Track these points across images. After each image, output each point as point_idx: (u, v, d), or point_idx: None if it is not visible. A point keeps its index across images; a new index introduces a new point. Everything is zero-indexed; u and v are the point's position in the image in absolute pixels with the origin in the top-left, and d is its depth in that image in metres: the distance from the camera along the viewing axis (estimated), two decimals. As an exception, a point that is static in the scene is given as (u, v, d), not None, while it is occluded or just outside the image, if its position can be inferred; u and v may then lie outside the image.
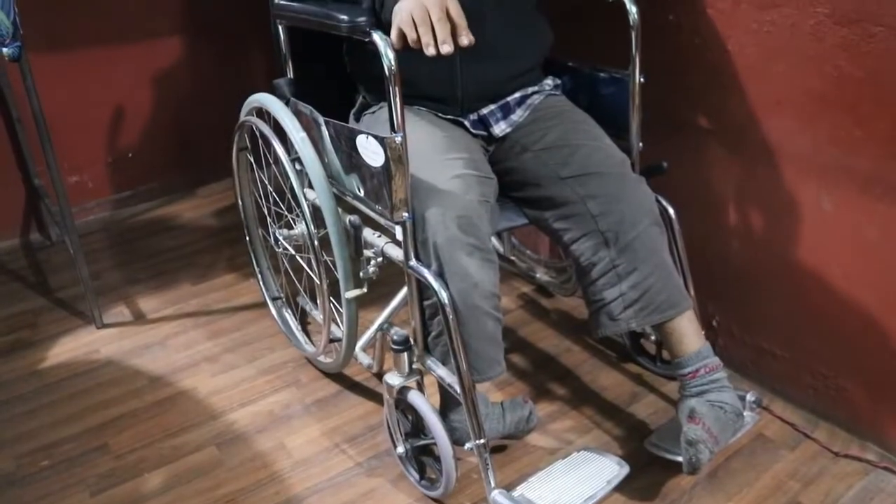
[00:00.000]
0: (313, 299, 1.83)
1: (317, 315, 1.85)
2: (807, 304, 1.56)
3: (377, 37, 1.21)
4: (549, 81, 1.57)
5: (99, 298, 2.06)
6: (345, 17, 1.24)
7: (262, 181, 1.78)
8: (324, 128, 1.42)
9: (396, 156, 1.23)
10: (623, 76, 1.53)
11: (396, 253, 1.37)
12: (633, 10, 1.45)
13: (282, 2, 1.42)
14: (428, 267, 1.30)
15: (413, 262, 1.32)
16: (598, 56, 1.61)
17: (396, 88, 1.20)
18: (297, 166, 1.53)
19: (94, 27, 2.39)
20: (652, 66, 1.48)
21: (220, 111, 2.58)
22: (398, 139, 1.22)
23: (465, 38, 1.19)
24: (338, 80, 1.61)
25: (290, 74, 1.63)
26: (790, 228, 1.54)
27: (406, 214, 1.28)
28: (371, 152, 1.28)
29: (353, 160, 1.36)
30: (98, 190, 2.57)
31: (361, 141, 1.29)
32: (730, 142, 1.58)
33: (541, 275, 2.01)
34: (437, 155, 1.35)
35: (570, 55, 1.64)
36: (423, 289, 1.34)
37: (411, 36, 1.16)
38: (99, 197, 2.58)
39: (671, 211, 1.53)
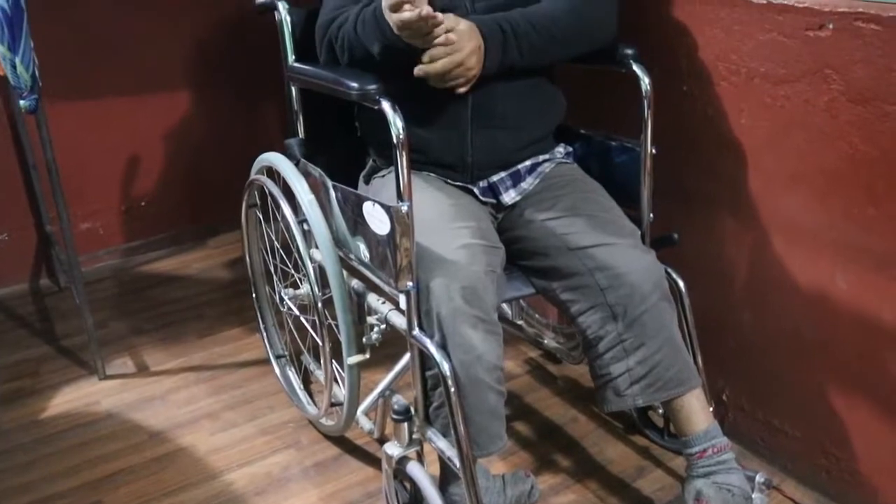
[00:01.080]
0: (317, 359, 1.81)
1: (320, 375, 1.83)
2: (820, 382, 1.52)
3: (386, 105, 1.21)
4: (560, 149, 1.56)
5: (103, 349, 2.05)
6: (355, 84, 1.24)
7: (269, 238, 1.78)
8: (331, 191, 1.42)
9: (402, 225, 1.22)
10: (634, 146, 1.52)
11: (400, 321, 1.35)
12: (645, 80, 1.44)
13: (296, 65, 1.43)
14: (431, 337, 1.28)
15: (416, 332, 1.29)
16: (610, 124, 1.61)
17: (404, 156, 1.20)
18: (305, 226, 1.52)
19: (115, 77, 2.43)
20: (664, 136, 1.47)
21: (234, 163, 2.59)
22: (404, 208, 1.21)
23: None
24: (349, 141, 1.61)
25: (302, 135, 1.63)
26: (803, 304, 1.51)
27: (410, 284, 1.26)
28: (377, 220, 1.27)
29: (359, 225, 1.35)
30: (109, 237, 2.57)
31: (368, 208, 1.29)
32: (742, 214, 1.56)
33: (548, 340, 1.97)
34: (443, 223, 1.34)
35: (582, 122, 1.63)
36: (425, 359, 1.31)
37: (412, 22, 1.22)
38: (110, 244, 2.58)
39: (681, 284, 1.50)
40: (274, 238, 1.75)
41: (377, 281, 1.36)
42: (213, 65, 2.58)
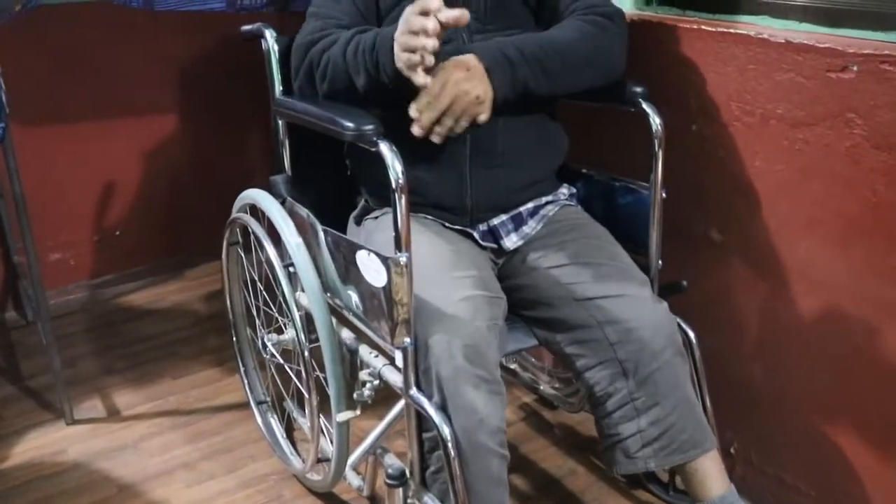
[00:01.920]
0: (301, 406, 1.70)
1: (304, 423, 1.71)
2: (836, 441, 1.43)
3: (384, 147, 1.12)
4: (563, 190, 1.48)
5: (71, 390, 1.93)
6: (350, 124, 1.14)
7: (252, 279, 1.67)
8: (321, 235, 1.32)
9: (401, 277, 1.12)
10: (641, 188, 1.44)
11: (395, 378, 1.25)
12: (656, 120, 1.36)
13: (283, 98, 1.33)
14: (429, 398, 1.18)
15: (413, 392, 1.20)
16: (612, 164, 1.52)
17: (403, 202, 1.10)
18: (291, 269, 1.42)
19: (89, 100, 2.31)
20: (671, 176, 1.39)
21: (214, 190, 2.49)
22: (403, 259, 1.12)
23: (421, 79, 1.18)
24: (339, 179, 1.52)
25: (288, 171, 1.53)
26: (820, 357, 1.43)
27: (408, 340, 1.16)
28: (372, 270, 1.17)
29: (351, 274, 1.25)
30: (80, 269, 2.45)
31: (362, 257, 1.19)
32: (755, 261, 1.48)
33: (544, 386, 1.88)
34: (443, 273, 1.24)
35: (584, 162, 1.55)
36: (422, 419, 1.21)
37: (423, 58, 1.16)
38: (81, 276, 2.46)
39: (691, 335, 1.42)
40: (257, 278, 1.64)
41: (370, 334, 1.26)
42: (194, 90, 2.47)
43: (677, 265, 1.48)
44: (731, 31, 1.41)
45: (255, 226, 1.48)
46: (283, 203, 1.48)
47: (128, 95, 2.35)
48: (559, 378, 1.89)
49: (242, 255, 1.70)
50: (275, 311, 1.60)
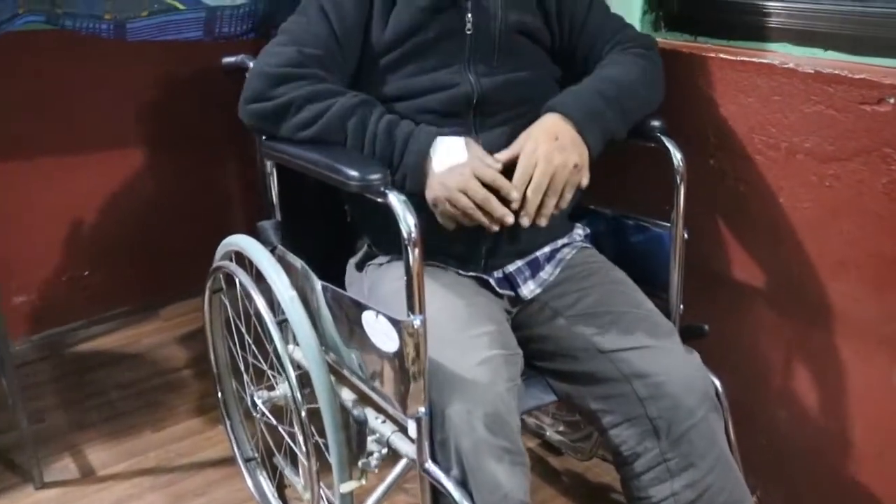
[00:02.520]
0: (293, 462, 1.57)
1: (297, 482, 1.59)
2: (868, 491, 1.35)
3: (395, 199, 1.01)
4: (579, 231, 1.38)
5: (40, 449, 1.78)
6: (354, 174, 1.03)
7: (238, 328, 1.55)
8: (319, 290, 1.20)
9: (415, 343, 1.01)
10: (654, 226, 1.35)
11: (407, 448, 1.14)
12: (677, 155, 1.27)
13: (273, 143, 1.21)
14: (447, 471, 1.07)
15: (429, 465, 1.08)
16: (625, 201, 1.43)
17: (417, 259, 0.99)
18: (284, 323, 1.30)
19: (56, 133, 2.17)
20: (689, 213, 1.29)
21: (189, 224, 2.38)
22: (417, 323, 1.01)
23: (515, 193, 1.13)
24: (335, 222, 1.40)
25: (278, 215, 1.41)
26: (851, 404, 1.34)
27: (422, 409, 1.05)
28: (381, 333, 1.06)
29: (355, 335, 1.14)
30: (49, 311, 2.30)
31: (369, 319, 1.07)
32: (781, 303, 1.39)
33: (550, 432, 1.78)
34: (459, 332, 1.13)
35: (594, 199, 1.45)
36: (438, 494, 1.10)
37: (466, 223, 1.13)
38: (48, 319, 2.31)
39: (718, 384, 1.31)
40: (244, 329, 1.51)
41: (377, 399, 1.14)
42: (167, 121, 2.34)
43: (696, 307, 1.38)
44: (754, 60, 1.32)
45: (242, 276, 1.36)
46: (273, 250, 1.36)
47: (97, 128, 2.22)
48: (565, 422, 1.79)
49: (227, 303, 1.57)
50: (264, 364, 1.47)
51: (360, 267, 1.35)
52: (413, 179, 1.12)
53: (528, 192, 1.13)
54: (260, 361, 1.49)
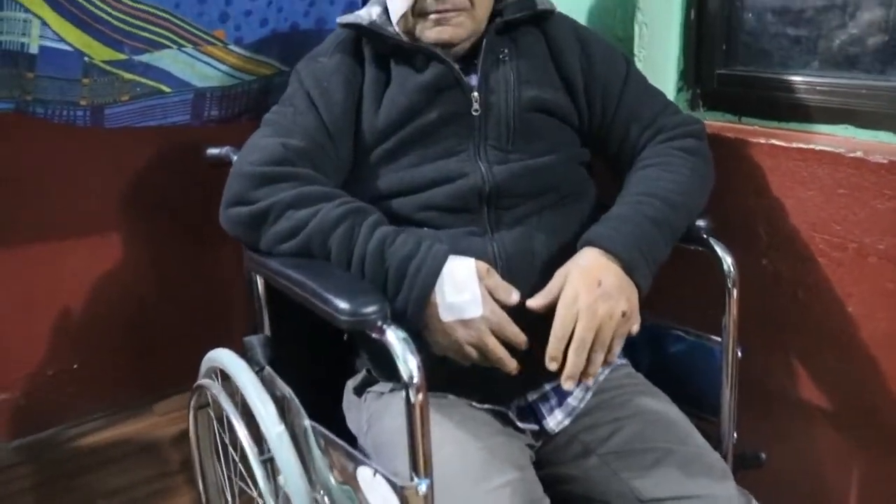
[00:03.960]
0: None
1: None
2: None
3: (392, 336, 0.84)
4: (612, 346, 1.18)
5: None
6: (345, 306, 0.86)
7: (226, 447, 1.36)
8: (309, 430, 1.02)
9: (419, 511, 0.82)
10: (709, 342, 1.16)
11: None
12: (727, 260, 1.09)
13: (256, 255, 1.04)
14: None
15: None
16: (668, 307, 1.24)
17: (421, 405, 0.81)
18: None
19: (40, 217, 2.02)
20: (739, 321, 1.11)
21: (182, 314, 2.21)
22: (423, 489, 0.82)
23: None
24: (331, 339, 1.22)
25: (267, 330, 1.23)
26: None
27: (431, 585, 0.85)
28: (380, 496, 0.87)
29: (350, 484, 0.95)
30: (33, 409, 2.12)
31: (365, 476, 0.89)
32: (851, 428, 1.20)
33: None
34: (474, 486, 0.94)
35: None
36: None
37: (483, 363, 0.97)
38: (32, 418, 2.13)
39: (779, 525, 1.12)
40: (232, 451, 1.33)
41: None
42: (160, 205, 2.19)
43: (750, 431, 1.19)
44: (814, 147, 1.14)
45: (224, 402, 1.18)
46: (260, 372, 1.18)
47: (82, 212, 2.06)
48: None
49: (214, 418, 1.39)
50: (254, 491, 1.28)
51: (358, 392, 1.16)
52: (414, 318, 0.94)
53: (571, 352, 0.94)
54: (250, 488, 1.30)
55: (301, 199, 1.00)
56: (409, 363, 0.82)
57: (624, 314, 0.96)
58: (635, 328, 0.99)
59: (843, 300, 1.15)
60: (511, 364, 0.97)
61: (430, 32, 1.09)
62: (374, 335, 0.85)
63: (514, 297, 0.98)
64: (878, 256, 1.10)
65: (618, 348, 0.98)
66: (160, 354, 2.23)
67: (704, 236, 1.11)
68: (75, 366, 2.17)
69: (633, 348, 1.24)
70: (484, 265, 0.97)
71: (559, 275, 0.99)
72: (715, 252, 1.10)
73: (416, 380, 0.82)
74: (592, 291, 0.95)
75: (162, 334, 2.23)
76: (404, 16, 1.10)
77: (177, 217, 2.20)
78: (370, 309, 0.84)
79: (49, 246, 2.05)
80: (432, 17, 1.08)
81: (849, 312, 1.15)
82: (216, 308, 2.25)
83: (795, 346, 1.22)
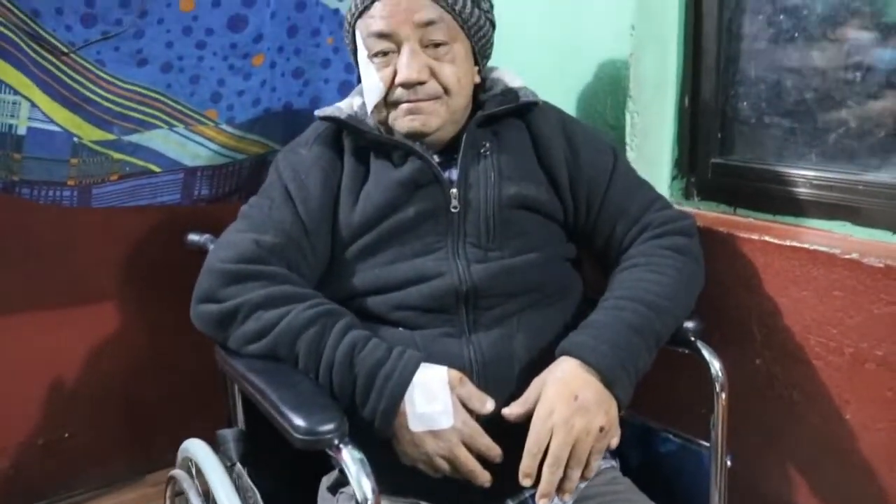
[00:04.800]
0: None
1: None
2: None
3: (348, 456, 0.80)
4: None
5: None
6: (300, 423, 0.82)
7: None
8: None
9: None
10: (698, 446, 1.10)
11: None
12: (716, 364, 1.05)
13: (224, 351, 1.02)
14: None
15: None
16: (656, 407, 1.19)
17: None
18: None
19: (31, 287, 2.01)
20: (732, 424, 1.06)
21: (175, 383, 2.17)
22: None
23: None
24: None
25: (241, 424, 1.20)
26: None
27: None
28: None
29: None
30: (22, 479, 2.08)
31: None
32: (851, 541, 1.13)
33: None
34: None
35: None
36: None
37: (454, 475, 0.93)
38: (21, 488, 2.09)
39: None
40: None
41: None
42: (154, 276, 2.17)
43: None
44: (807, 246, 1.10)
45: (194, 498, 1.14)
46: (232, 467, 1.14)
47: (76, 282, 2.05)
48: None
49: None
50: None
51: (332, 490, 1.12)
52: (382, 428, 0.91)
53: (545, 469, 0.90)
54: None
55: (270, 300, 0.97)
56: (363, 486, 0.78)
57: (602, 429, 0.91)
58: (614, 442, 0.95)
59: (840, 407, 1.10)
60: (483, 476, 0.93)
61: (402, 122, 1.07)
62: (330, 453, 0.81)
63: (488, 406, 0.94)
64: (877, 363, 1.05)
65: (595, 464, 0.93)
66: (153, 425, 2.20)
67: (692, 339, 1.06)
68: (66, 435, 2.14)
69: (622, 447, 1.19)
70: (457, 374, 0.94)
71: (535, 384, 0.95)
72: (702, 355, 1.06)
73: (370, 503, 0.78)
74: (569, 405, 0.90)
75: (154, 405, 2.20)
76: (377, 106, 1.08)
77: (171, 289, 2.18)
78: (326, 427, 0.81)
79: (42, 315, 2.03)
80: (404, 106, 1.06)
81: (847, 420, 1.09)
82: (210, 381, 2.22)
83: (791, 452, 1.16)
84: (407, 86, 1.04)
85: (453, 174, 1.07)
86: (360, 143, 1.10)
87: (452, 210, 1.05)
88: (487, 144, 1.09)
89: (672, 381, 1.15)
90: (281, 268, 1.01)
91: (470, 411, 0.94)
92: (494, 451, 0.93)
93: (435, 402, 0.90)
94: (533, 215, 1.09)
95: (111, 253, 2.11)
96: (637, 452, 1.20)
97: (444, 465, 0.92)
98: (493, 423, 0.95)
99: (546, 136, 1.12)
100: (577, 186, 1.12)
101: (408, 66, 1.03)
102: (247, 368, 0.95)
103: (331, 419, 0.82)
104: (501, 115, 1.11)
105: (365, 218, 1.05)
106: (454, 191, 1.05)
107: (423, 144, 1.07)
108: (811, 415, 1.13)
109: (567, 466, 0.91)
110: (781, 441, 1.17)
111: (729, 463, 1.06)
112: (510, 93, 1.12)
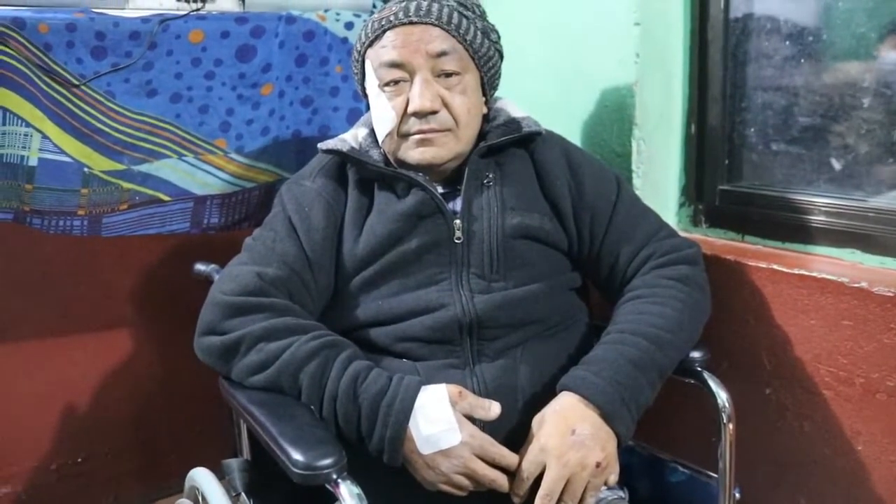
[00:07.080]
0: None
1: None
2: None
3: (346, 490, 0.79)
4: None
5: None
6: (299, 458, 0.82)
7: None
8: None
9: None
10: (706, 478, 1.09)
11: None
12: (722, 395, 1.04)
13: (227, 382, 1.02)
14: None
15: None
16: (665, 437, 1.17)
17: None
18: None
19: (45, 314, 2.02)
20: (741, 454, 1.04)
21: (189, 408, 2.17)
22: None
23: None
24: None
25: (247, 454, 1.19)
26: None
27: None
28: None
29: None
30: (35, 504, 2.10)
31: None
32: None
33: None
34: None
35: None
36: None
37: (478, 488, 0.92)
38: (35, 514, 2.10)
39: None
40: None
41: None
42: (167, 302, 2.18)
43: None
44: (815, 275, 1.08)
45: (199, 530, 1.14)
46: (237, 497, 1.14)
47: (89, 309, 2.06)
48: None
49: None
50: None
51: (337, 523, 1.11)
52: (392, 457, 0.90)
53: (537, 501, 0.89)
54: None
55: (273, 332, 0.97)
56: (364, 525, 0.77)
57: (598, 465, 0.90)
58: (612, 479, 0.93)
59: (850, 438, 1.08)
60: (506, 483, 0.91)
61: (413, 153, 1.07)
62: (329, 488, 0.81)
63: (493, 410, 0.94)
64: (888, 394, 1.03)
65: (591, 500, 0.91)
66: (165, 451, 2.20)
67: (698, 369, 1.05)
68: (79, 460, 2.15)
69: (631, 476, 1.18)
70: (455, 388, 0.93)
71: (535, 420, 0.94)
72: (709, 386, 1.04)
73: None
74: (564, 439, 0.90)
75: (167, 431, 2.20)
76: (389, 135, 1.08)
77: (182, 316, 2.19)
78: (324, 462, 0.80)
79: (55, 342, 2.05)
80: (415, 137, 1.06)
81: (858, 451, 1.07)
82: (222, 407, 2.22)
83: (801, 485, 1.14)
84: (420, 115, 1.04)
85: (457, 205, 1.07)
86: (364, 174, 1.10)
87: (456, 241, 1.05)
88: (490, 175, 1.09)
89: (681, 411, 1.14)
90: (283, 300, 1.01)
91: (476, 421, 0.93)
92: (509, 457, 0.92)
93: (438, 421, 0.90)
94: (536, 245, 1.09)
95: (124, 281, 2.12)
96: (646, 483, 1.18)
97: (464, 482, 0.91)
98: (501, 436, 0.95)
99: (549, 165, 1.11)
100: (581, 216, 1.12)
101: (421, 95, 1.03)
102: (248, 400, 0.95)
103: (329, 454, 0.81)
104: (504, 145, 1.10)
105: (368, 250, 1.05)
106: (458, 222, 1.05)
107: (427, 176, 1.07)
108: (822, 446, 1.11)
109: (561, 500, 0.90)
110: (792, 472, 1.15)
111: (738, 495, 1.04)
112: (513, 123, 1.11)
